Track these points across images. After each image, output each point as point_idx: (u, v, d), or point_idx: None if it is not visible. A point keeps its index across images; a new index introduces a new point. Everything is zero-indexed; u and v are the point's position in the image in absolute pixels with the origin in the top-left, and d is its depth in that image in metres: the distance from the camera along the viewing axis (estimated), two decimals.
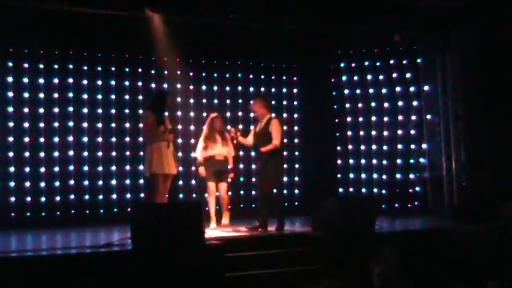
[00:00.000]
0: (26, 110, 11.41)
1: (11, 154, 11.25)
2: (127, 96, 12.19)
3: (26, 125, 11.39)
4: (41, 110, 11.51)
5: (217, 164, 10.16)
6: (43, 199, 11.44)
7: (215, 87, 12.91)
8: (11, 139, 11.26)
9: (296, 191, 13.45)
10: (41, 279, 6.72)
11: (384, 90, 12.75)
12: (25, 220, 11.20)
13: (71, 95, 11.74)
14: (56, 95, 11.63)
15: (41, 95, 11.53)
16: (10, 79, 11.33)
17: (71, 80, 11.75)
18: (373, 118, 12.83)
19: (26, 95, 11.42)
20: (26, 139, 11.37)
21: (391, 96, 12.68)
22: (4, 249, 7.88)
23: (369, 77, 12.93)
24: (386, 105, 12.69)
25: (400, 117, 12.57)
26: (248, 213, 11.71)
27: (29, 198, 11.34)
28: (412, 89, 12.53)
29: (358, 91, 13.07)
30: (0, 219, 10.89)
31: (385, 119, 12.70)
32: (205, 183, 10.31)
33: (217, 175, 10.11)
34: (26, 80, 11.43)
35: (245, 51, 12.67)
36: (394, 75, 12.66)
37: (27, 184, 11.34)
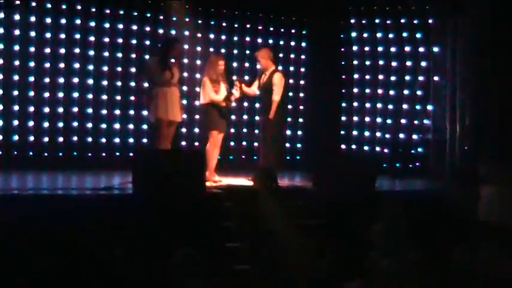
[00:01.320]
0: (32, 49, 11.30)
1: (15, 93, 11.17)
2: (134, 41, 12.06)
3: (32, 64, 11.29)
4: (47, 50, 11.40)
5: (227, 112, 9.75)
6: (46, 139, 11.43)
7: (223, 36, 12.75)
8: (16, 77, 11.17)
9: (298, 145, 13.41)
10: (40, 218, 6.70)
11: (393, 49, 12.54)
12: (27, 159, 11.19)
13: (77, 36, 11.61)
14: (62, 36, 11.49)
15: (48, 35, 11.40)
16: (17, 17, 11.18)
17: (78, 22, 11.60)
18: (380, 76, 12.68)
19: (33, 34, 11.29)
20: (31, 78, 11.28)
21: (400, 55, 12.49)
22: (4, 187, 7.88)
23: (379, 35, 12.72)
24: (394, 64, 12.51)
25: (407, 77, 12.43)
26: (249, 165, 11.73)
27: (32, 138, 11.33)
28: (421, 49, 12.34)
29: (366, 48, 12.88)
30: (2, 157, 10.90)
31: (392, 78, 12.54)
32: (208, 131, 9.80)
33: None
34: (32, 18, 11.27)
35: (255, 2, 12.50)
36: (404, 34, 12.44)
37: (31, 123, 11.31)
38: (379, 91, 12.69)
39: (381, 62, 12.68)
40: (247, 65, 12.91)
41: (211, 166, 9.41)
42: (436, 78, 12.00)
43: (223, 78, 9.63)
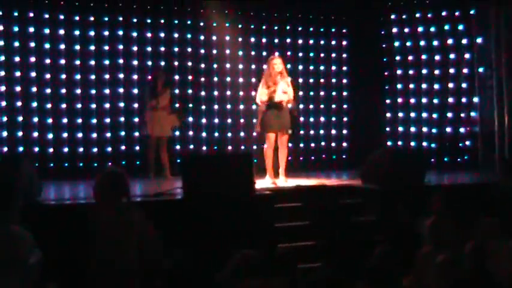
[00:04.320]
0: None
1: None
2: (176, 49, 12.30)
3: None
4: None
5: (280, 113, 9.49)
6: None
7: (264, 39, 12.89)
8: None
9: (344, 144, 13.46)
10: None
11: (435, 43, 12.50)
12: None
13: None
14: (92, 47, 11.76)
15: (92, 47, 11.71)
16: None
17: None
18: (424, 71, 12.64)
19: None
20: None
21: (442, 48, 12.42)
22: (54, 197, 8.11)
23: (420, 29, 12.68)
24: (437, 57, 12.46)
25: (451, 70, 12.35)
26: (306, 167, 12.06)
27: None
28: (464, 41, 12.26)
29: (408, 43, 12.86)
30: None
31: (436, 71, 12.49)
32: (260, 134, 9.98)
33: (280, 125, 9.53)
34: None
35: (294, 3, 12.61)
36: (446, 27, 12.38)
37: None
38: (423, 85, 12.64)
39: (423, 57, 12.64)
40: (288, 66, 12.98)
41: (269, 167, 9.53)
42: (480, 69, 11.92)
43: (281, 77, 9.42)
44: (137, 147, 11.94)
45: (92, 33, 11.70)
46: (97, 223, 5.09)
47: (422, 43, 12.65)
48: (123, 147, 11.91)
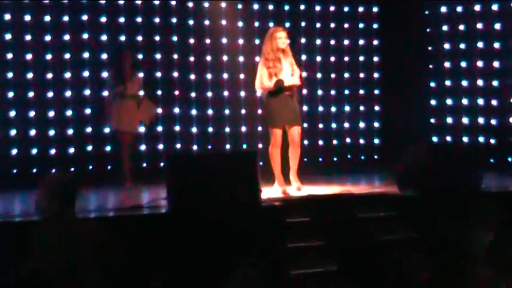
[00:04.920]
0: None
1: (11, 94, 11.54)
2: (157, 20, 12.41)
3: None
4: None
5: (288, 101, 9.50)
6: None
7: (270, 6, 13.01)
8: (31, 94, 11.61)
9: (376, 141, 13.48)
10: None
11: (494, 7, 12.42)
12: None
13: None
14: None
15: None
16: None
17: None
18: (480, 44, 12.59)
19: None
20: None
21: (504, 14, 12.34)
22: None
23: (477, 7, 12.51)
24: (497, 26, 12.41)
25: None
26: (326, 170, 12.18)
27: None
28: None
29: (458, 8, 12.81)
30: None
31: (496, 45, 12.45)
32: (266, 129, 10.04)
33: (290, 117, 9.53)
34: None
35: None
36: None
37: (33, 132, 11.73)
38: (479, 63, 12.60)
39: (479, 25, 12.53)
40: (303, 41, 13.06)
41: (277, 171, 9.55)
42: None
43: (284, 56, 9.44)
44: (108, 148, 11.98)
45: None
46: (41, 241, 5.20)
47: (476, 8, 12.58)
48: (89, 148, 11.96)
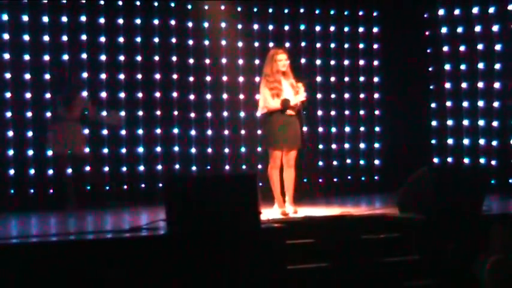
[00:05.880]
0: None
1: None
2: (156, 39, 12.41)
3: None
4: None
5: (289, 122, 9.42)
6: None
7: (270, 26, 13.00)
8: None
9: (376, 162, 13.46)
10: (46, 269, 6.90)
11: (495, 28, 12.46)
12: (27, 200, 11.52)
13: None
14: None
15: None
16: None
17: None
18: (480, 65, 12.60)
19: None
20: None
21: (505, 35, 12.38)
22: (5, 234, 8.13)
23: (475, 10, 12.67)
24: (497, 47, 12.43)
25: None
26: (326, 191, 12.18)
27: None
28: None
29: (459, 29, 12.85)
30: None
31: (497, 66, 12.45)
32: (265, 151, 9.90)
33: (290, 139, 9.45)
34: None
35: None
36: (510, 7, 12.31)
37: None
38: (479, 84, 12.60)
39: (479, 46, 12.60)
40: (303, 61, 13.06)
41: (277, 192, 9.52)
42: None
43: (284, 78, 9.42)
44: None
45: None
46: None
47: (478, 29, 12.61)
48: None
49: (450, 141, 12.99)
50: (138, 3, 12.27)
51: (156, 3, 12.34)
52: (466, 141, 12.78)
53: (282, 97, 9.29)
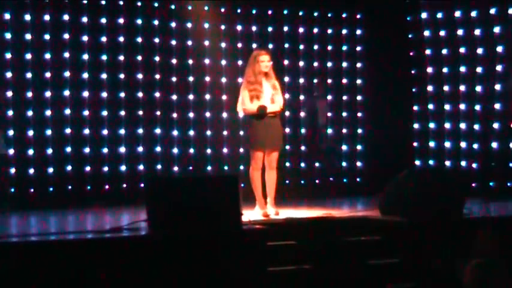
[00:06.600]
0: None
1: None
2: (139, 39, 12.33)
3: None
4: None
5: (271, 124, 9.42)
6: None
7: (253, 28, 12.98)
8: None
9: (358, 164, 13.48)
10: (30, 269, 6.87)
11: (477, 32, 12.51)
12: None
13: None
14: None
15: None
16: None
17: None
18: (462, 69, 12.65)
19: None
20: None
21: (487, 39, 12.42)
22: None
23: (458, 13, 12.71)
24: (480, 51, 12.47)
25: (498, 68, 12.33)
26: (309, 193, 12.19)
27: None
28: None
29: (442, 33, 12.89)
30: None
31: (478, 69, 12.50)
32: (247, 152, 9.93)
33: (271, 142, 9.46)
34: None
35: None
36: (492, 11, 12.36)
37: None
38: (462, 88, 12.66)
39: (462, 50, 12.65)
40: (286, 63, 13.06)
41: (259, 194, 9.52)
42: None
43: (266, 79, 9.38)
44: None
45: None
46: None
47: (460, 32, 12.65)
48: None
49: (432, 144, 13.03)
50: (121, 2, 12.21)
51: (139, 3, 12.29)
52: (447, 144, 12.83)
53: (261, 99, 9.29)
